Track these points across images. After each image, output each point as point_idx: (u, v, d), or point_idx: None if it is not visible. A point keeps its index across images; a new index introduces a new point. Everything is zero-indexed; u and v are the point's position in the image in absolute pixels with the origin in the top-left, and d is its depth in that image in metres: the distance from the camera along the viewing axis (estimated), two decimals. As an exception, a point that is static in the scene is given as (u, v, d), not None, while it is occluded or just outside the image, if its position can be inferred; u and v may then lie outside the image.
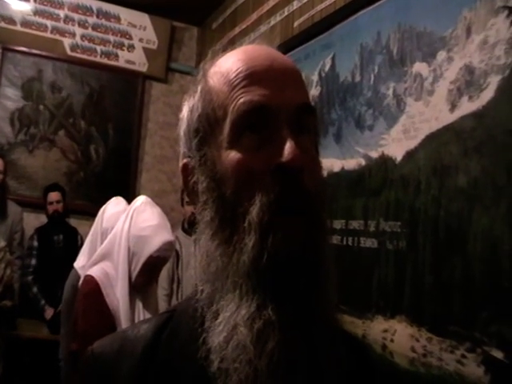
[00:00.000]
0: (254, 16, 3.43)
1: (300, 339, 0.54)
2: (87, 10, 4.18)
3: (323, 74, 2.52)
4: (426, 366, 1.71)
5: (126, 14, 4.27)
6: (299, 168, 0.56)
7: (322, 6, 2.60)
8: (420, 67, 1.91)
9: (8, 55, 3.99)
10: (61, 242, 3.74)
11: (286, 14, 3.00)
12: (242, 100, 0.59)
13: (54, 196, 3.77)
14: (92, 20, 4.19)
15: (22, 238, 3.82)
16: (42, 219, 3.87)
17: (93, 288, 1.75)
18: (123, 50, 4.28)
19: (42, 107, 4.08)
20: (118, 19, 4.26)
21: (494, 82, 1.58)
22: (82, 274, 1.92)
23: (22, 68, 4.02)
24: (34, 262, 3.66)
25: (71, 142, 4.15)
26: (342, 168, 2.28)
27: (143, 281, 1.82)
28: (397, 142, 1.98)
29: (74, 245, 3.66)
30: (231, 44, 0.81)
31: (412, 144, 1.89)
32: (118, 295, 1.76)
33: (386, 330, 1.92)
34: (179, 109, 0.68)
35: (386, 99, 2.07)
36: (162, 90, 4.46)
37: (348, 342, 0.63)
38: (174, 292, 3.17)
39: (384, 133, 2.06)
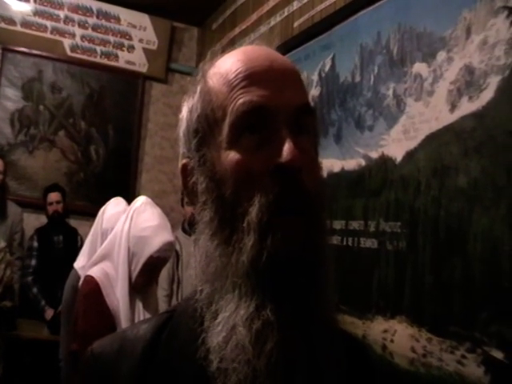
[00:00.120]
0: (254, 16, 3.43)
1: (299, 339, 0.54)
2: (87, 11, 4.18)
3: (323, 75, 2.52)
4: (426, 366, 1.71)
5: (126, 15, 4.27)
6: (298, 168, 0.56)
7: (322, 6, 2.60)
8: (420, 67, 1.91)
9: (8, 56, 3.99)
10: (61, 243, 3.74)
11: (285, 14, 3.00)
12: (241, 101, 0.59)
13: (53, 196, 3.77)
14: (92, 20, 4.19)
15: (22, 239, 3.82)
16: (42, 220, 3.86)
17: (93, 288, 1.75)
18: (123, 51, 4.28)
19: (42, 108, 4.08)
20: (117, 20, 4.26)
21: (493, 82, 1.58)
22: (82, 274, 1.92)
23: (22, 68, 4.02)
24: (34, 262, 3.66)
25: (71, 143, 4.16)
26: (342, 168, 2.28)
27: (143, 281, 1.82)
28: (397, 143, 1.98)
29: (73, 245, 3.66)
30: (231, 44, 0.82)
31: (412, 144, 1.89)
32: (118, 295, 1.76)
33: (386, 331, 1.92)
34: (179, 109, 0.68)
35: (386, 99, 2.07)
36: (162, 90, 4.46)
37: (347, 342, 0.63)
38: (174, 292, 3.17)
39: (384, 133, 2.06)
